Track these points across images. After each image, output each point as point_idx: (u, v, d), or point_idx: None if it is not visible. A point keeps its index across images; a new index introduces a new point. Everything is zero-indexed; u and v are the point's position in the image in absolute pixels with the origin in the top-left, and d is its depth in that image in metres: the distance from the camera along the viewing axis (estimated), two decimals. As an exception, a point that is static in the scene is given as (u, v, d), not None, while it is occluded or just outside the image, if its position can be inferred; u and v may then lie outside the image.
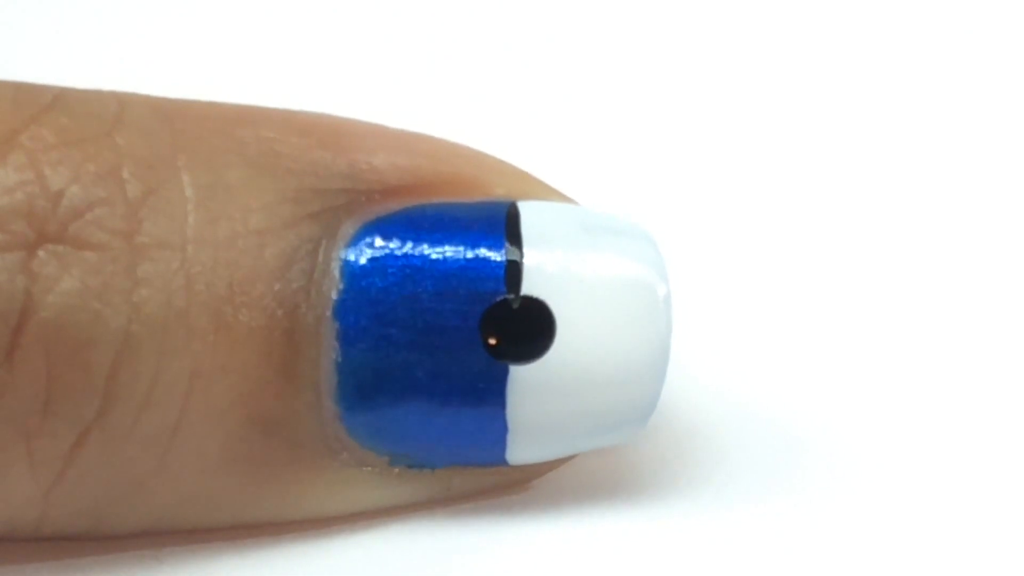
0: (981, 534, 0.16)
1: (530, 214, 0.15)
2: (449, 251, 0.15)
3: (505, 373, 0.15)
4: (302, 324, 0.15)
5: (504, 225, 0.15)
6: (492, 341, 0.15)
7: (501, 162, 0.16)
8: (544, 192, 0.16)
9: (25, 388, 0.13)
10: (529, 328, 0.15)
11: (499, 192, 0.16)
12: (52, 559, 0.15)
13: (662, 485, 0.17)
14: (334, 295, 0.15)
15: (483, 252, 0.15)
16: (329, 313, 0.15)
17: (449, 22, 0.25)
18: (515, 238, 0.15)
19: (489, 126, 0.20)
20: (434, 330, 0.15)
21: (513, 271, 0.15)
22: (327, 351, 0.15)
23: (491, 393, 0.15)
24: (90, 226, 0.14)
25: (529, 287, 0.15)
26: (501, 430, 0.15)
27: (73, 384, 0.14)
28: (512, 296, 0.15)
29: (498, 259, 0.15)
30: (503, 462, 0.16)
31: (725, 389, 0.18)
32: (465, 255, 0.15)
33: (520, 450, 0.16)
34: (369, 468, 0.15)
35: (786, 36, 0.25)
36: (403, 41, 0.24)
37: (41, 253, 0.14)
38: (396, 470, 0.16)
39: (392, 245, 0.15)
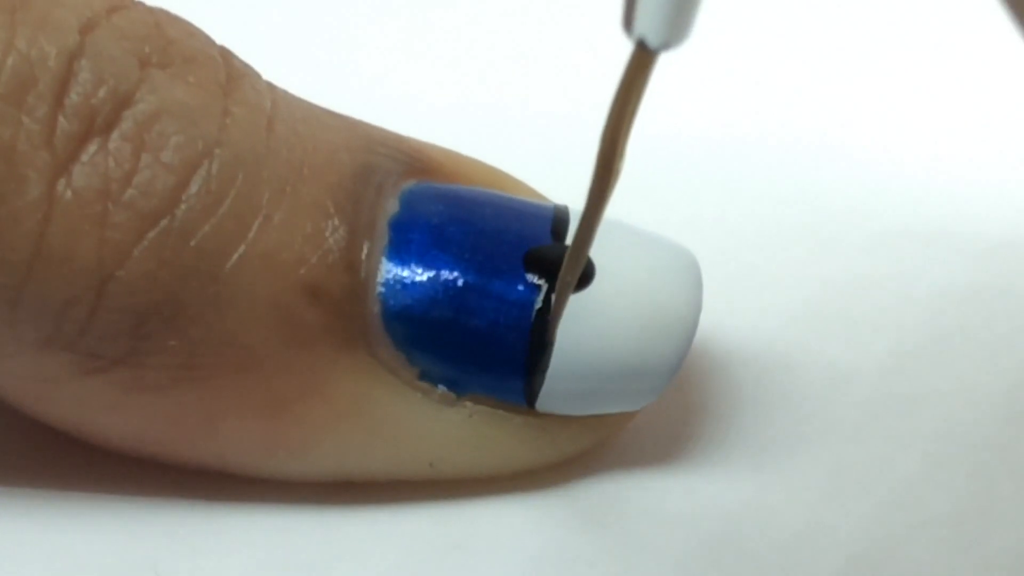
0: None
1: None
2: (499, 200, 0.17)
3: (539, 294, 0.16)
4: (364, 221, 0.16)
5: (552, 206, 0.17)
6: (534, 279, 0.16)
7: (540, 195, 0.18)
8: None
9: (112, 167, 0.15)
10: None
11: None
12: (52, 561, 0.16)
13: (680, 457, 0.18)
14: (394, 212, 0.16)
15: (531, 208, 0.17)
16: (386, 224, 0.16)
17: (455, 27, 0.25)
18: (562, 212, 0.17)
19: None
20: (479, 253, 0.16)
21: (559, 223, 0.16)
22: (380, 246, 0.16)
23: (524, 311, 0.16)
24: (195, 68, 0.15)
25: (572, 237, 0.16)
26: (525, 354, 0.16)
27: (153, 175, 0.15)
28: (556, 244, 0.16)
29: (546, 213, 0.17)
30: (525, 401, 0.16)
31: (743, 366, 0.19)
32: (514, 205, 0.17)
33: (543, 390, 0.16)
34: (396, 377, 0.16)
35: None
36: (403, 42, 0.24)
37: (152, 69, 0.15)
38: (422, 387, 0.16)
39: (447, 190, 0.17)
